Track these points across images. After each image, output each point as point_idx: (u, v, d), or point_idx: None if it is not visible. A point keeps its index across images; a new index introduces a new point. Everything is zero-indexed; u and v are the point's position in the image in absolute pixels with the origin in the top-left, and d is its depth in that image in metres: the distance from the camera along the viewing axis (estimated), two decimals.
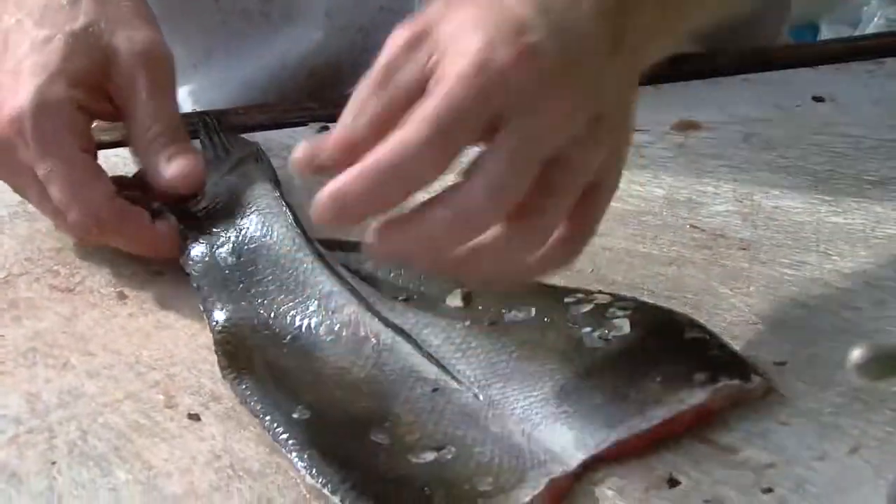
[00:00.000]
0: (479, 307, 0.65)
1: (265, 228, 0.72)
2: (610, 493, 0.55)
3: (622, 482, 0.56)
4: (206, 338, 0.67)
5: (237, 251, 0.71)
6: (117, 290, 0.72)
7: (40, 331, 0.69)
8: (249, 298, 0.68)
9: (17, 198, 0.76)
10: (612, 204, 0.72)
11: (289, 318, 0.66)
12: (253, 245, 0.71)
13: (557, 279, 0.69)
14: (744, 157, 0.85)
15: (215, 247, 0.72)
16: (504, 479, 0.55)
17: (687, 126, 0.89)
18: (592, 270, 0.72)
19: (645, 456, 0.57)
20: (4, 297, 0.71)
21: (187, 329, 0.68)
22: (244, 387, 0.62)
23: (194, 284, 0.70)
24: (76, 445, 0.59)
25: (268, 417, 0.59)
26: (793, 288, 0.69)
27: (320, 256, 0.69)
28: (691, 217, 0.77)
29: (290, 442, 0.57)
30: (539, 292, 0.66)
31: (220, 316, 0.67)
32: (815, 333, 0.65)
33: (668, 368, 0.59)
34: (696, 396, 0.58)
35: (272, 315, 0.67)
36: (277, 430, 0.58)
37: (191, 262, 0.71)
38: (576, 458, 0.56)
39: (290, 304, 0.67)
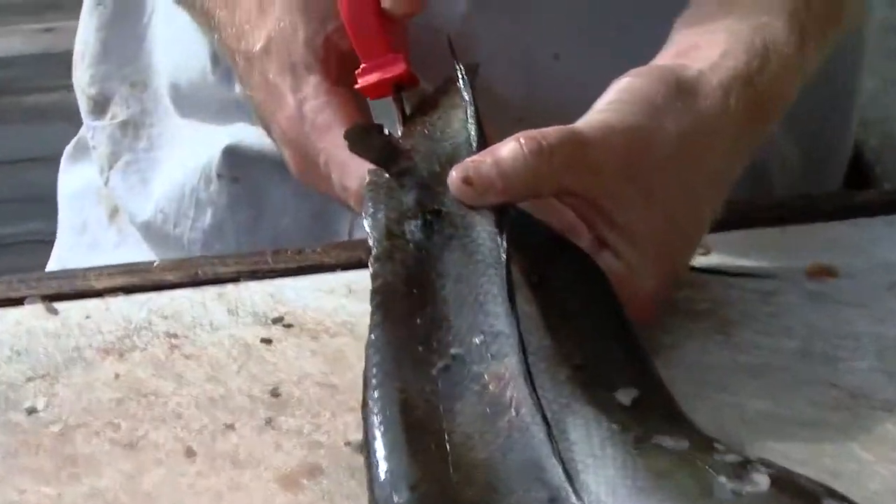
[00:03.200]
0: (638, 417, 0.62)
1: (468, 217, 0.66)
2: None
3: None
4: (283, 499, 0.64)
5: (429, 228, 0.66)
6: (185, 445, 0.69)
7: (101, 489, 0.66)
8: (421, 292, 0.64)
9: (73, 343, 0.75)
10: (739, 357, 0.73)
11: (444, 344, 0.62)
12: (449, 229, 0.66)
13: None
14: (888, 307, 0.81)
15: (406, 216, 0.66)
16: None
17: (822, 271, 0.85)
18: (718, 429, 0.68)
19: None
20: (61, 453, 0.69)
21: (262, 490, 0.65)
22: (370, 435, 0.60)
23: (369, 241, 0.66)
24: None
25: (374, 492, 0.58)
26: None
27: (509, 280, 0.63)
28: (828, 373, 0.74)
29: None
30: (696, 429, 0.64)
31: (379, 317, 0.63)
32: None
33: None
34: None
35: (434, 330, 0.62)
36: None
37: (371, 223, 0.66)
38: None
39: (456, 326, 0.62)
